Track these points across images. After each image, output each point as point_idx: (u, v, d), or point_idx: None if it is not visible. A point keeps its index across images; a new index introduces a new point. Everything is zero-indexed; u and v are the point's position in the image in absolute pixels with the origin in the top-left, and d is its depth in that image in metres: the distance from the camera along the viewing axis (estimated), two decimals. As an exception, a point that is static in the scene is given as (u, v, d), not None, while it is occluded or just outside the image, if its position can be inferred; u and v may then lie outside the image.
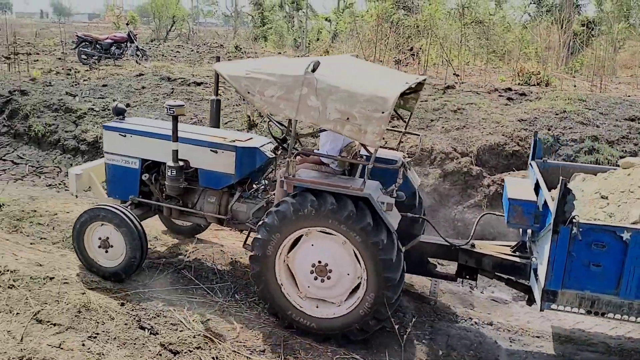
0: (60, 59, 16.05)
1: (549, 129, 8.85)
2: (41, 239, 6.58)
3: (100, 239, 5.68)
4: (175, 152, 5.57)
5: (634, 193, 4.60)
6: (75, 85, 12.06)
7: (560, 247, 4.18)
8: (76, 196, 6.44)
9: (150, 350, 4.51)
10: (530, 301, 5.11)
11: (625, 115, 9.42)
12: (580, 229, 4.10)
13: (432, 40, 14.99)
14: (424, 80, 5.49)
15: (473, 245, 5.41)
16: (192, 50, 20.37)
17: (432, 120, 9.36)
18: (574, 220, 4.09)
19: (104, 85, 12.01)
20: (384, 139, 4.83)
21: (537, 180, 5.10)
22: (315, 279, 4.90)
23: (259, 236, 4.89)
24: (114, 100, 10.50)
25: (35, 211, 7.34)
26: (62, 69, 14.01)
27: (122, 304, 5.15)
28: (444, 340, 5.27)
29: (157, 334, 4.75)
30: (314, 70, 4.56)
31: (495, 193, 7.77)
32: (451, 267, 6.09)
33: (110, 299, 5.22)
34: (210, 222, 6.11)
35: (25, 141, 10.27)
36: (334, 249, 4.80)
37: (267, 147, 5.78)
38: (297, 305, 5.00)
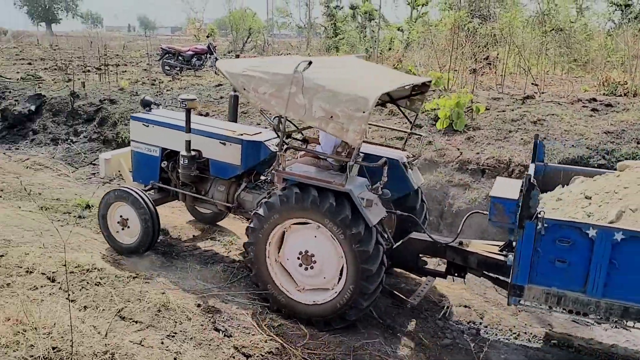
0: (145, 69, 16.99)
1: (638, 142, 8.30)
2: (125, 239, 6.95)
3: (121, 216, 6.37)
4: (188, 143, 6.10)
5: (618, 194, 4.57)
6: (159, 94, 12.71)
7: (526, 242, 4.25)
8: (108, 180, 6.94)
9: (224, 352, 4.63)
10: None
11: None
12: (546, 225, 4.15)
13: (510, 48, 14.52)
14: (429, 82, 5.67)
15: (461, 243, 5.42)
16: (267, 61, 20.85)
17: (510, 132, 9.04)
18: (539, 216, 4.13)
19: (185, 95, 12.55)
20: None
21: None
22: (300, 265, 5.20)
23: (252, 225, 5.27)
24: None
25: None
26: (148, 79, 14.83)
27: (199, 305, 5.34)
28: (520, 361, 5.06)
29: (231, 336, 4.87)
30: (305, 69, 4.83)
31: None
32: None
33: (187, 300, 5.43)
34: (220, 209, 6.53)
35: (114, 147, 10.88)
36: (319, 240, 5.05)
37: (273, 142, 6.03)
38: (287, 292, 5.28)
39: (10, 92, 13.37)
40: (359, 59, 6.26)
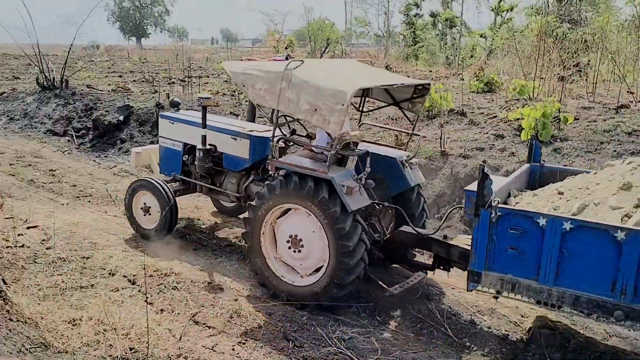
0: (226, 81, 17.55)
1: None
2: (202, 245, 7.14)
3: (145, 203, 6.93)
4: (204, 137, 6.71)
5: (589, 189, 4.67)
6: (238, 105, 13.07)
7: (482, 230, 4.42)
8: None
9: (293, 363, 4.59)
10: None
11: None
12: (499, 214, 4.33)
13: (603, 55, 13.61)
14: (428, 84, 6.02)
15: (446, 237, 5.58)
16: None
17: (601, 143, 8.44)
18: (492, 205, 4.30)
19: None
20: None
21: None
22: (289, 248, 5.57)
23: (249, 215, 5.74)
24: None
25: (199, 219, 8.04)
26: (228, 90, 15.30)
27: (270, 314, 5.35)
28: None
29: (301, 347, 4.83)
30: (296, 67, 5.29)
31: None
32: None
33: (259, 308, 5.46)
34: (233, 200, 6.99)
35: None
36: (305, 225, 5.42)
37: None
38: (275, 270, 5.66)
39: (101, 103, 14.25)
40: (360, 63, 6.68)
